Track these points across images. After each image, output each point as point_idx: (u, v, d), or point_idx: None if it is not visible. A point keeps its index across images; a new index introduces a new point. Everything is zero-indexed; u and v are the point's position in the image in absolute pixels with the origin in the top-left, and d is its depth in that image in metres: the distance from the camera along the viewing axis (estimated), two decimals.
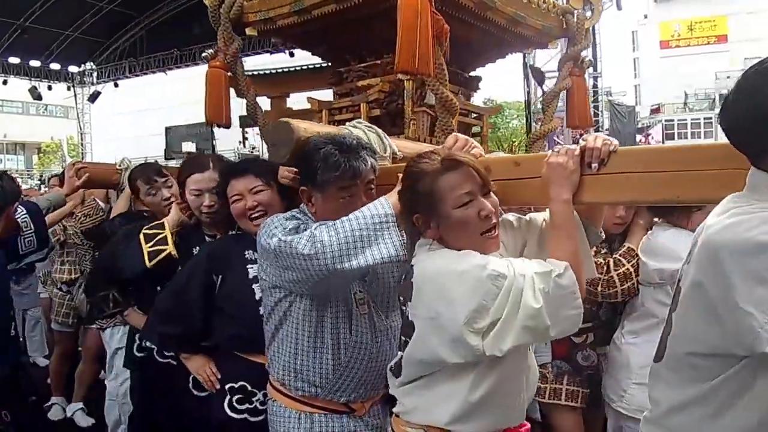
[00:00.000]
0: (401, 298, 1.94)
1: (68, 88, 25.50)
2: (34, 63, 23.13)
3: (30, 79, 23.41)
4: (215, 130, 24.92)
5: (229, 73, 4.69)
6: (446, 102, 3.71)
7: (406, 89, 4.33)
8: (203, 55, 4.55)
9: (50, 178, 5.85)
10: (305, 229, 2.07)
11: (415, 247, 1.94)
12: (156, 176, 3.34)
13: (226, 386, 2.55)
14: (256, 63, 21.71)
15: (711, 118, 37.65)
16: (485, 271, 1.68)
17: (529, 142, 6.04)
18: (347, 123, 2.55)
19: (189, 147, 25.68)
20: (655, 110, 37.72)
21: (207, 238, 2.98)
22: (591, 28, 5.05)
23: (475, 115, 5.03)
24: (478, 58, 5.03)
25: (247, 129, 24.28)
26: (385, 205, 1.98)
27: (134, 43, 23.45)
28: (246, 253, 2.58)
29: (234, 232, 2.82)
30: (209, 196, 2.85)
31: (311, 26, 4.47)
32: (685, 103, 37.74)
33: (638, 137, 30.48)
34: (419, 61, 3.25)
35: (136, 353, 3.20)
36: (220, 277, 2.61)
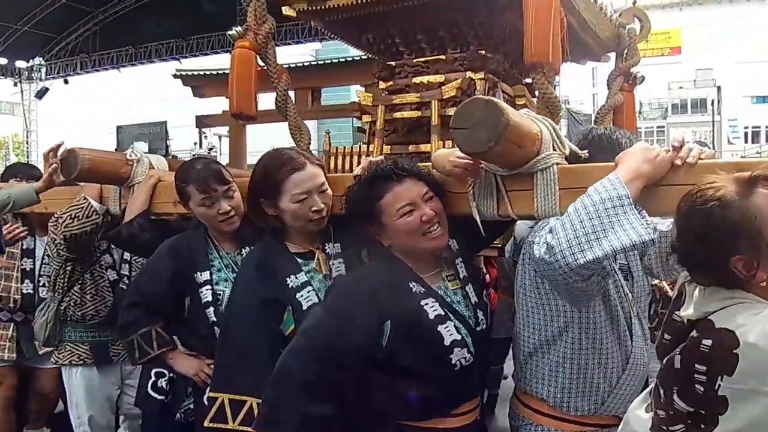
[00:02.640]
0: None
1: (15, 84, 24.38)
2: None
3: None
4: (168, 129, 24.25)
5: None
6: (551, 101, 3.25)
7: (477, 88, 3.85)
8: (229, 33, 3.79)
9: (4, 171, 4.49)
10: None
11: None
12: (216, 183, 2.63)
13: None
14: (211, 62, 21.17)
15: (663, 126, 38.85)
16: None
17: None
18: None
19: (141, 147, 24.65)
20: (600, 109, 38.34)
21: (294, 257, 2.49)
22: None
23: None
24: None
25: (204, 129, 23.73)
26: (617, 185, 1.74)
27: (86, 39, 22.81)
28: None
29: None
30: (320, 196, 2.34)
31: (366, 9, 3.93)
32: (640, 112, 38.58)
33: None
34: (552, 51, 2.78)
35: (152, 393, 2.92)
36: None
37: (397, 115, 4.10)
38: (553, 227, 1.80)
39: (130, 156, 3.24)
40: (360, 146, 4.40)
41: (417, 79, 4.11)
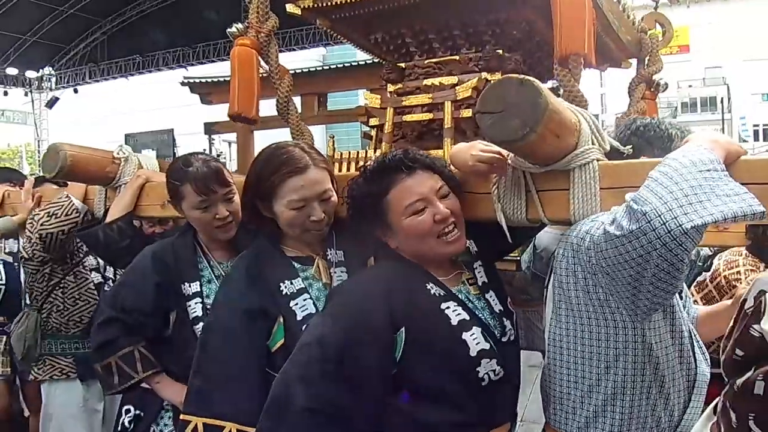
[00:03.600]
0: None
1: (25, 94, 24.46)
2: None
3: None
4: (176, 137, 24.29)
5: None
6: (577, 100, 3.04)
7: None
8: (229, 30, 3.59)
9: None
10: None
11: None
12: (216, 185, 2.34)
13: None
14: (218, 70, 21.18)
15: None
16: None
17: None
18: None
19: (150, 154, 24.74)
20: (620, 118, 38.13)
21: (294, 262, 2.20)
22: None
23: None
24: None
25: (212, 136, 23.70)
26: (703, 150, 1.49)
27: (95, 49, 22.92)
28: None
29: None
30: (321, 204, 2.05)
31: (375, 6, 3.77)
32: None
33: None
34: (587, 42, 2.60)
35: (126, 425, 2.48)
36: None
37: (407, 118, 3.91)
38: (633, 197, 1.46)
39: (118, 154, 2.98)
40: (366, 151, 4.23)
41: (428, 81, 3.92)
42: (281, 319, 1.97)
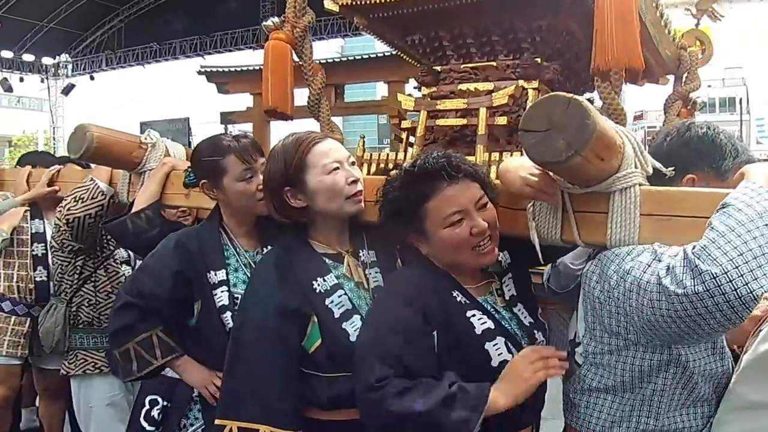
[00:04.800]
0: None
1: (41, 80, 24.51)
2: (6, 54, 22.23)
3: (1, 70, 22.41)
4: (192, 126, 24.34)
5: None
6: (617, 114, 2.98)
7: (530, 99, 3.60)
8: (264, 23, 3.51)
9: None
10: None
11: None
12: (257, 153, 2.30)
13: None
14: (234, 59, 21.21)
15: None
16: None
17: None
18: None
19: (176, 143, 24.79)
20: (639, 117, 37.96)
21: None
22: None
23: None
24: (592, 81, 4.36)
25: (229, 126, 23.69)
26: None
27: (112, 36, 22.96)
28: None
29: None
30: (352, 168, 2.01)
31: (415, 7, 3.72)
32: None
33: None
34: (633, 55, 2.53)
35: (144, 424, 2.41)
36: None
37: (440, 122, 3.86)
38: (698, 254, 1.39)
39: (145, 139, 2.91)
40: (396, 154, 4.16)
41: (463, 86, 3.87)
42: (315, 319, 1.90)
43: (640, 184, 1.67)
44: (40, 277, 3.64)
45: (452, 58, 3.98)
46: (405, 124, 4.06)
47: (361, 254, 2.07)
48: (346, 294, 1.95)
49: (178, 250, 2.29)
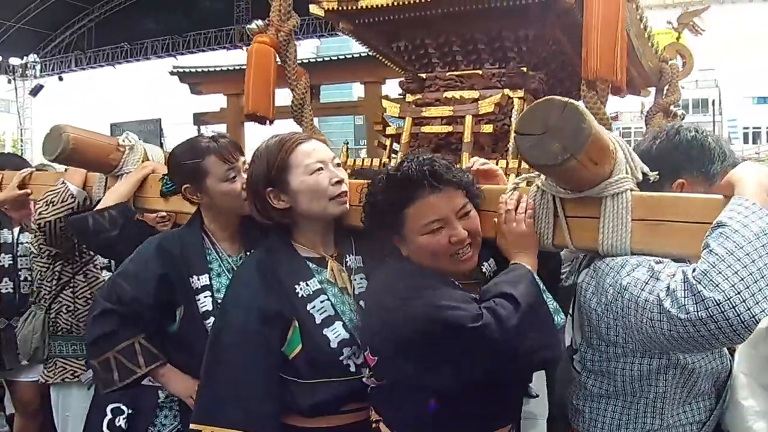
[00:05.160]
0: None
1: (9, 81, 24.06)
2: None
3: None
4: (164, 127, 24.13)
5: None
6: (602, 123, 2.98)
7: (515, 107, 3.61)
8: (248, 27, 3.44)
9: None
10: None
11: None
12: (238, 152, 2.23)
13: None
14: (207, 60, 21.04)
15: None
16: None
17: None
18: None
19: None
20: (614, 118, 38.40)
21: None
22: None
23: None
24: (575, 91, 4.40)
25: (202, 127, 23.49)
26: (760, 214, 1.42)
27: (81, 36, 22.55)
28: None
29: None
30: (336, 169, 1.95)
31: (402, 13, 3.71)
32: (642, 112, 38.72)
33: None
34: (618, 68, 2.54)
35: (122, 426, 2.32)
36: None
37: (426, 129, 3.88)
38: (700, 279, 1.40)
39: (123, 141, 2.78)
40: (381, 160, 4.16)
41: (449, 94, 3.90)
42: (296, 323, 1.84)
43: (631, 190, 1.66)
44: (6, 289, 3.50)
45: (438, 65, 4.00)
46: (390, 130, 4.07)
47: (347, 259, 2.01)
48: (329, 299, 1.90)
49: (160, 253, 2.19)
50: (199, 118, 19.97)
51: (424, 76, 4.07)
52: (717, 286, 1.34)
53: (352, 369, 1.88)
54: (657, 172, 1.74)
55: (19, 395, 3.69)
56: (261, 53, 3.39)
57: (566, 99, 1.53)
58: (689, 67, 4.46)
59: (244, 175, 2.13)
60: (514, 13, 3.40)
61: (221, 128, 23.09)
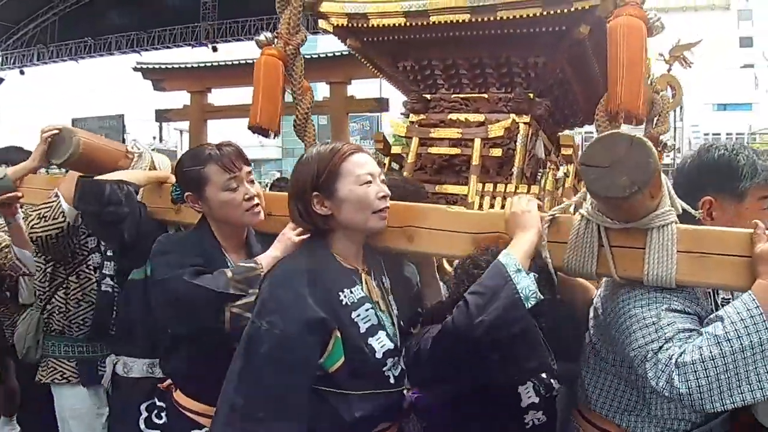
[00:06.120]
0: None
1: None
2: None
3: None
4: (126, 123, 23.77)
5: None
6: None
7: (521, 133, 3.68)
8: (256, 38, 3.38)
9: None
10: None
11: None
12: (241, 161, 2.15)
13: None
14: (171, 56, 20.77)
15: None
16: None
17: None
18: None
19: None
20: None
21: None
22: None
23: None
24: (572, 119, 4.50)
25: (164, 123, 23.21)
26: (762, 326, 1.55)
27: (44, 29, 22.03)
28: None
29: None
30: (383, 183, 1.93)
31: (411, 34, 3.74)
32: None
33: None
34: (643, 101, 2.63)
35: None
36: None
37: (433, 150, 3.92)
38: (680, 362, 1.58)
39: (132, 148, 2.72)
40: None
41: (454, 116, 3.94)
42: (338, 334, 1.75)
43: (675, 222, 1.72)
44: None
45: (443, 87, 4.04)
46: (395, 149, 4.09)
47: (383, 279, 1.98)
48: (373, 308, 1.84)
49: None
50: (162, 115, 19.67)
51: (428, 96, 4.10)
52: (688, 382, 1.53)
53: (392, 381, 1.84)
54: (701, 210, 1.83)
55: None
56: (269, 66, 3.33)
57: (633, 135, 1.53)
58: (678, 99, 4.57)
59: (249, 186, 2.11)
60: (526, 40, 3.46)
61: (184, 125, 22.86)
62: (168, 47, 22.05)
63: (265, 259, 2.06)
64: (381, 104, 17.55)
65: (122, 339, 2.70)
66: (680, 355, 1.54)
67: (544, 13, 3.27)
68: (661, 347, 1.56)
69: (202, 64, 18.51)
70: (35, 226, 2.78)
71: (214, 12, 19.52)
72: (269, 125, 3.32)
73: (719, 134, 42.14)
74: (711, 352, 1.54)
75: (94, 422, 3.09)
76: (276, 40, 3.41)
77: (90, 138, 2.59)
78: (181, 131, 28.54)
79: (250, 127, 3.36)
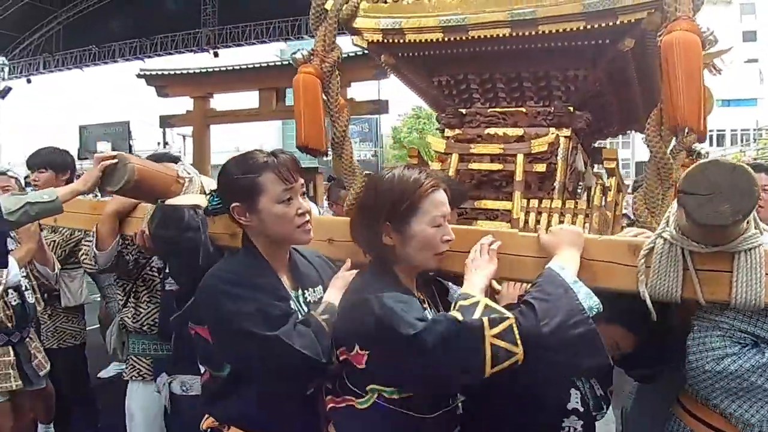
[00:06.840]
0: None
1: None
2: None
3: None
4: (131, 129, 23.78)
5: None
6: (666, 167, 3.03)
7: (561, 147, 3.64)
8: (293, 54, 3.34)
9: None
10: None
11: None
12: (297, 172, 2.01)
13: None
14: (174, 63, 20.86)
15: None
16: None
17: None
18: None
19: (105, 146, 23.82)
20: None
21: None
22: None
23: None
24: (606, 129, 4.46)
25: (167, 129, 23.23)
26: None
27: (50, 39, 22.18)
28: None
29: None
30: (449, 227, 1.96)
31: (447, 49, 3.69)
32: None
33: None
34: (703, 117, 2.60)
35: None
36: None
37: (474, 166, 3.87)
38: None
39: (182, 173, 2.72)
40: None
41: (491, 131, 3.89)
42: None
43: (762, 245, 1.73)
44: (15, 300, 3.45)
45: (478, 101, 3.99)
46: (434, 166, 4.03)
47: (440, 308, 2.05)
48: None
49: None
50: (166, 121, 19.89)
51: (464, 111, 4.06)
52: None
53: (452, 401, 1.95)
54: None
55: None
56: (308, 84, 3.27)
57: (735, 162, 1.60)
58: (710, 107, 4.52)
59: (301, 200, 2.01)
60: (567, 53, 3.42)
61: (187, 130, 22.84)
62: (170, 53, 22.22)
63: (331, 298, 2.02)
64: (380, 106, 17.58)
65: (184, 359, 2.71)
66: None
67: (588, 26, 3.21)
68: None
69: (204, 70, 18.63)
70: (85, 260, 3.09)
71: (214, 18, 19.65)
72: (316, 145, 3.25)
73: (724, 130, 42.06)
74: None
75: (162, 421, 3.19)
76: (312, 57, 3.36)
77: (143, 164, 2.58)
78: (184, 136, 28.60)
79: (298, 147, 3.30)
